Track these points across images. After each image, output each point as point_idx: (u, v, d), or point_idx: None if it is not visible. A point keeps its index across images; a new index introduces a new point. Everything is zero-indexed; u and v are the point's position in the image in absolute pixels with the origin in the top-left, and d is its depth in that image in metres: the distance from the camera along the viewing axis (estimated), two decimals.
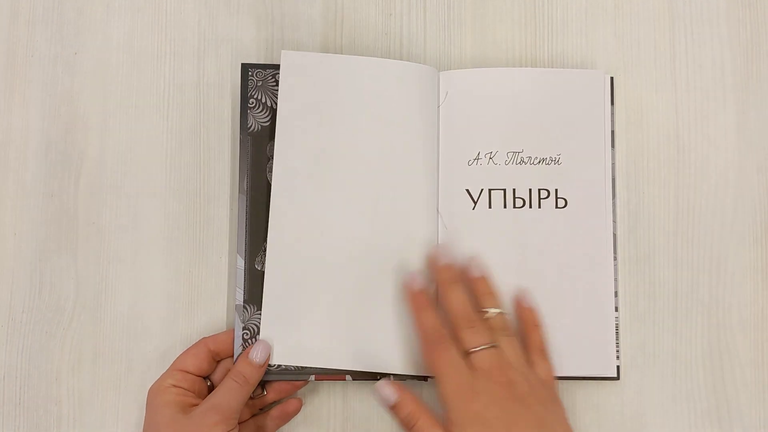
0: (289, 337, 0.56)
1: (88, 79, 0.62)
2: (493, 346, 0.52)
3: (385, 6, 0.64)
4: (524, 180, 0.59)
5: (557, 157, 0.59)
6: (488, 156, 0.59)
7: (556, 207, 0.58)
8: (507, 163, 0.59)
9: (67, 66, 0.62)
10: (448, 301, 0.54)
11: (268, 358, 0.55)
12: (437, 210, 0.59)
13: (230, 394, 0.53)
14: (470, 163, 0.59)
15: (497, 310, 0.54)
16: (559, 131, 0.59)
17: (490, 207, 0.59)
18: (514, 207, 0.59)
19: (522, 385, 0.51)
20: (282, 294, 0.56)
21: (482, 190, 0.59)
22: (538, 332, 0.56)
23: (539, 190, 0.59)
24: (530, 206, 0.58)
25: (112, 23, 0.63)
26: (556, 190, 0.59)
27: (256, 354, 0.54)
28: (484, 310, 0.54)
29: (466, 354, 0.52)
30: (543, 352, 0.55)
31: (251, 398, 0.57)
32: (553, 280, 0.58)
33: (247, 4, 0.63)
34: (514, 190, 0.59)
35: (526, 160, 0.59)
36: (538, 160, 0.59)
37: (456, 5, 0.64)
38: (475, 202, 0.59)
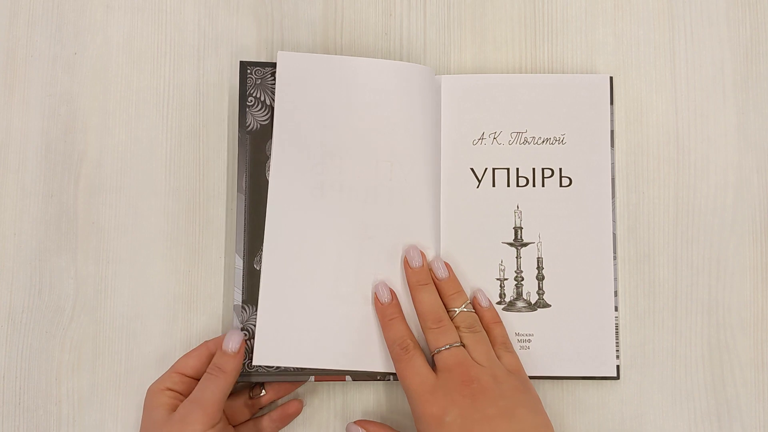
0: (286, 338, 0.55)
1: (88, 79, 0.62)
2: (457, 345, 0.52)
3: (385, 6, 0.63)
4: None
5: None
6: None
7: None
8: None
9: (67, 66, 0.62)
10: (417, 303, 0.55)
11: (242, 346, 0.54)
12: (438, 208, 0.58)
13: (208, 388, 0.52)
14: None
15: (463, 309, 0.55)
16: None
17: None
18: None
19: (485, 380, 0.51)
20: (279, 295, 0.56)
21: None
22: (499, 327, 0.56)
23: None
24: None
25: (111, 23, 0.62)
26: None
27: (228, 343, 0.53)
28: (452, 309, 0.55)
29: (432, 356, 0.53)
30: (506, 345, 0.55)
31: (250, 398, 0.57)
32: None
33: (247, 4, 0.63)
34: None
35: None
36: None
37: (456, 5, 0.63)
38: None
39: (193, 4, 0.63)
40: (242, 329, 0.56)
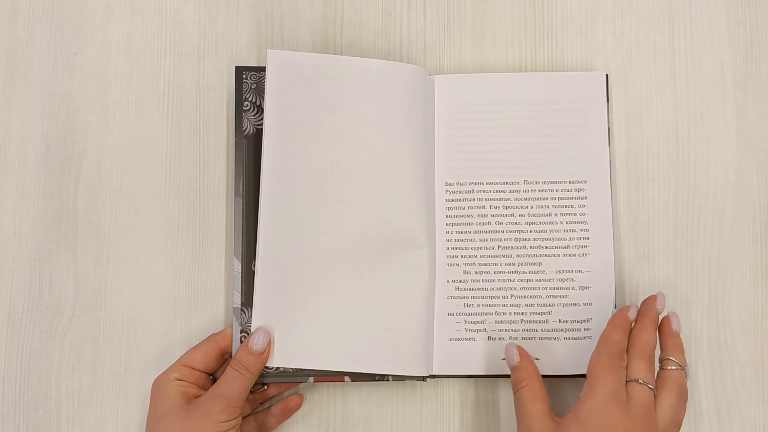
0: (283, 340, 0.54)
1: (88, 79, 0.60)
2: (651, 387, 0.49)
3: (385, 6, 0.61)
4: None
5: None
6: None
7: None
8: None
9: (67, 66, 0.60)
10: (642, 332, 0.51)
11: (269, 346, 0.53)
12: (433, 209, 0.57)
13: (233, 383, 0.51)
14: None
15: (679, 367, 0.51)
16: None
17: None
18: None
19: None
20: (273, 297, 0.54)
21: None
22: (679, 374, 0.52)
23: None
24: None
25: (111, 23, 0.60)
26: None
27: (256, 342, 0.52)
28: (669, 358, 0.52)
29: (627, 380, 0.50)
30: (683, 394, 0.52)
31: (252, 392, 0.55)
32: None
33: (247, 4, 0.61)
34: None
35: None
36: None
37: (456, 5, 0.61)
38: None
39: (193, 5, 0.61)
40: (241, 331, 0.54)
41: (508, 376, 0.54)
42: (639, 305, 0.53)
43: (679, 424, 0.51)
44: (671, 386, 0.50)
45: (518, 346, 0.54)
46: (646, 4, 0.61)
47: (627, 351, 0.51)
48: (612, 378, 0.49)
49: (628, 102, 0.60)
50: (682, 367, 0.51)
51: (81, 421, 0.57)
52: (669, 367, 0.51)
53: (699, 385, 0.57)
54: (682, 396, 0.50)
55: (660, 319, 0.53)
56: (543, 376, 0.55)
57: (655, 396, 0.50)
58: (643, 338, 0.51)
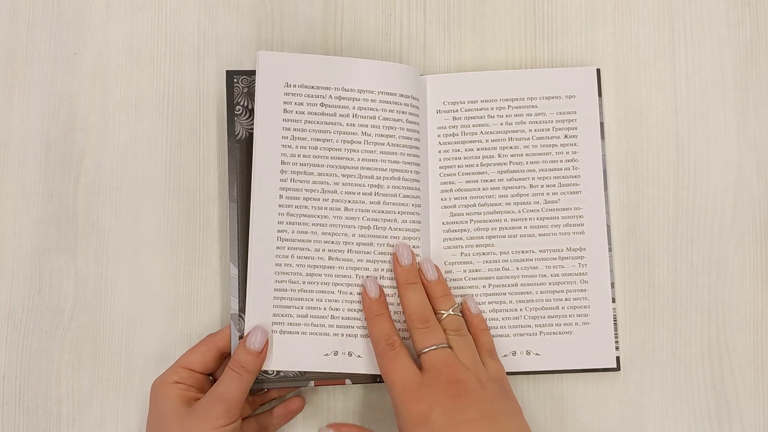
0: (281, 344, 0.53)
1: (88, 80, 0.59)
2: (443, 347, 0.50)
3: (385, 6, 0.61)
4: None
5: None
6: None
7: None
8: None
9: (67, 66, 0.59)
10: (405, 301, 0.52)
11: (266, 345, 0.52)
12: (426, 210, 0.56)
13: (231, 385, 0.50)
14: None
15: (450, 312, 0.52)
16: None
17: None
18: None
19: (471, 383, 0.49)
20: (267, 304, 0.53)
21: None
22: (486, 335, 0.54)
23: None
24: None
25: (111, 23, 0.60)
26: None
27: (253, 341, 0.51)
28: (440, 312, 0.52)
29: (419, 356, 0.50)
30: (492, 353, 0.54)
31: (252, 394, 0.55)
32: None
33: (247, 4, 0.61)
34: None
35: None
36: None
37: (456, 5, 0.61)
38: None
39: (193, 4, 0.60)
40: (240, 337, 0.53)
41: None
42: (368, 281, 0.53)
43: (488, 352, 0.53)
44: (450, 333, 0.51)
45: (335, 425, 0.54)
46: (646, 4, 0.61)
47: (407, 322, 0.52)
48: (398, 374, 0.50)
49: (628, 102, 0.60)
50: (452, 311, 0.53)
51: (81, 421, 0.56)
52: (441, 319, 0.52)
53: (699, 385, 0.57)
54: (461, 332, 0.52)
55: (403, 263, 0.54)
56: (544, 372, 0.55)
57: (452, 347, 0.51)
58: (408, 308, 0.52)
